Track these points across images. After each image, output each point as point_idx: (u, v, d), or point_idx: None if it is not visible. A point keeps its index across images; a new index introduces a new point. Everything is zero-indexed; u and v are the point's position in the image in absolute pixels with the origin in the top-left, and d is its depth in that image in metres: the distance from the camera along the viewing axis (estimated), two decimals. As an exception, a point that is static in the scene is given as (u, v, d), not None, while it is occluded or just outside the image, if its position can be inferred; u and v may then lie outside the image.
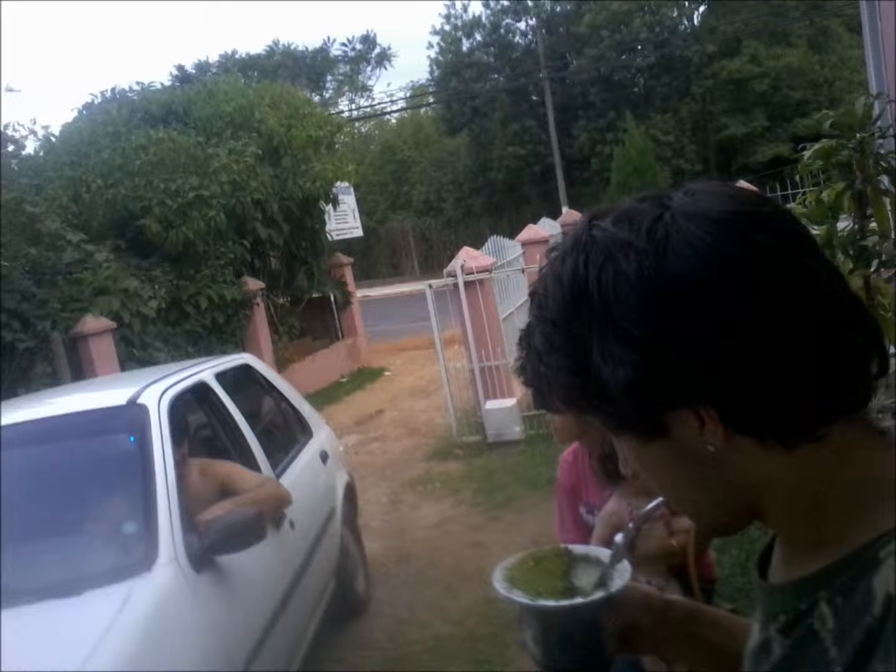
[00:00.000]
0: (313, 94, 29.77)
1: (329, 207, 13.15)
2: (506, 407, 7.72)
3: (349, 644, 4.42)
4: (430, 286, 8.15)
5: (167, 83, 17.00)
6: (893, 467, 0.67)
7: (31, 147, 10.75)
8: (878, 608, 0.60)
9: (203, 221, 10.12)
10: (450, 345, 8.58)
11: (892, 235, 2.87)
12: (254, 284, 11.11)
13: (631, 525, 1.13)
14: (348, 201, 17.21)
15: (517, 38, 29.33)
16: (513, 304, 8.71)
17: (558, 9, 28.32)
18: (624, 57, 26.89)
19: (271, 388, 4.95)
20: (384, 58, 35.14)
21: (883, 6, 4.07)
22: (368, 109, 34.24)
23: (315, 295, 13.34)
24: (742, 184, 5.75)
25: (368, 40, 34.91)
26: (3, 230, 7.85)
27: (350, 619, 4.64)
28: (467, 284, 7.85)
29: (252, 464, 3.76)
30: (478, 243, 10.44)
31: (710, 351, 0.65)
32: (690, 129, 26.79)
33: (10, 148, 9.23)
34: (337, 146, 13.76)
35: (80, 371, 7.90)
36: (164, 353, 8.90)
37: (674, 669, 1.37)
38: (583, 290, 0.68)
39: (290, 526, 3.69)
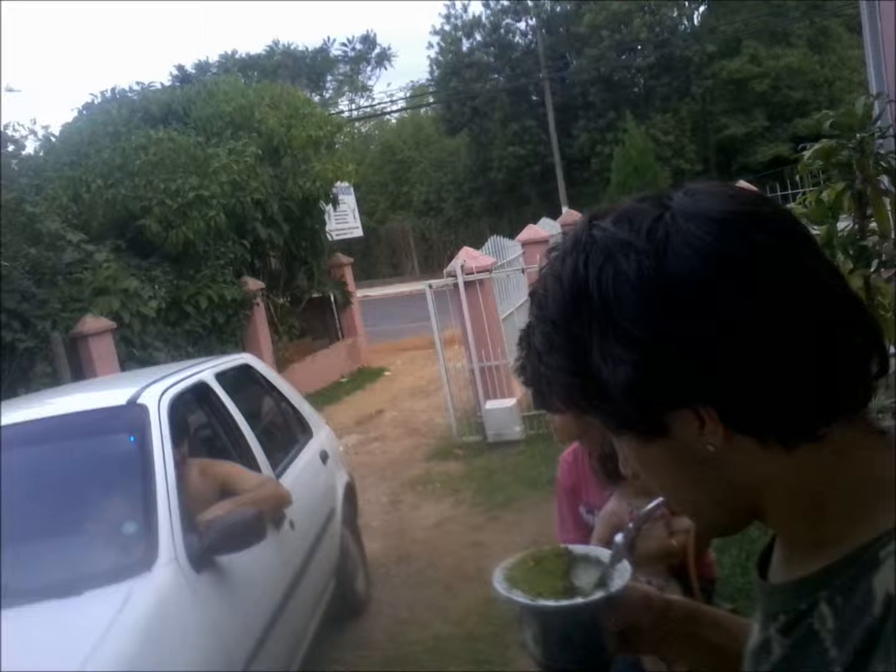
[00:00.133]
0: (313, 94, 29.78)
1: (329, 207, 13.15)
2: (506, 407, 7.72)
3: (349, 644, 4.42)
4: (430, 286, 8.15)
5: (167, 83, 17.01)
6: (893, 467, 0.67)
7: (31, 147, 10.78)
8: (878, 608, 0.60)
9: (203, 221, 10.12)
10: (450, 345, 8.57)
11: (892, 235, 2.87)
12: (254, 284, 11.11)
13: (631, 525, 1.14)
14: (348, 201, 17.21)
15: (517, 38, 29.34)
16: (513, 304, 8.71)
17: (558, 9, 28.32)
18: (624, 57, 26.89)
19: (271, 388, 4.95)
20: (384, 58, 35.18)
21: (883, 6, 4.07)
22: (368, 109, 34.26)
23: (315, 295, 13.34)
24: (742, 184, 5.75)
25: (368, 40, 34.95)
26: (3, 230, 7.85)
27: (350, 619, 4.64)
28: (467, 284, 7.85)
29: (252, 464, 3.76)
30: (478, 243, 10.44)
31: (710, 351, 0.65)
32: (690, 129, 26.79)
33: (10, 148, 9.22)
34: (337, 146, 13.76)
35: (80, 371, 7.90)
36: (164, 353, 8.91)
37: (674, 669, 1.37)
38: (583, 290, 0.68)
39: (290, 526, 3.69)
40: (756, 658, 0.75)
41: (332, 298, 13.72)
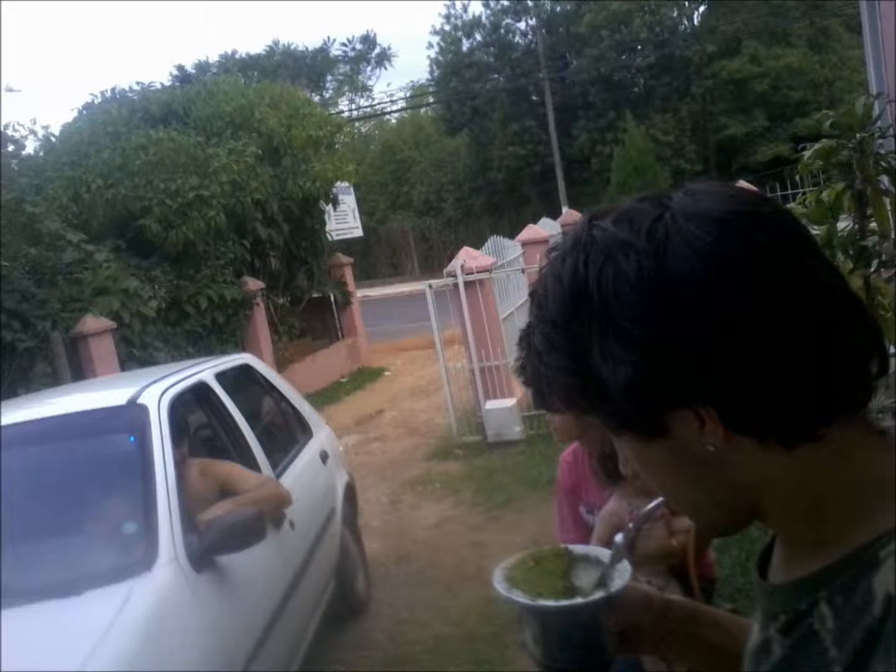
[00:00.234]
0: (313, 94, 29.78)
1: (329, 207, 13.15)
2: (506, 407, 7.72)
3: (349, 644, 4.42)
4: (430, 286, 8.15)
5: (167, 83, 17.01)
6: (893, 467, 0.67)
7: (31, 147, 10.77)
8: (878, 608, 0.60)
9: (203, 221, 10.12)
10: (450, 345, 8.57)
11: (892, 235, 2.87)
12: (254, 284, 11.11)
13: (631, 525, 1.14)
14: (348, 201, 17.21)
15: (517, 38, 29.34)
16: (513, 304, 8.71)
17: (558, 9, 28.32)
18: (624, 57, 26.89)
19: (271, 388, 4.95)
20: (384, 58, 35.18)
21: (883, 6, 4.07)
22: (368, 109, 34.26)
23: (315, 295, 13.34)
24: (742, 184, 5.75)
25: (368, 40, 34.95)
26: (3, 230, 7.85)
27: (350, 619, 4.64)
28: (467, 284, 7.85)
29: (252, 464, 3.76)
30: (478, 243, 10.44)
31: (710, 351, 0.65)
32: (690, 129, 26.79)
33: (10, 148, 9.23)
34: (337, 146, 13.76)
35: (80, 371, 7.90)
36: (164, 353, 8.91)
37: (674, 669, 1.37)
38: (583, 290, 0.68)
39: (290, 526, 3.69)
40: (756, 658, 0.75)
41: (332, 298, 13.72)
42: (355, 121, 32.13)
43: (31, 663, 2.27)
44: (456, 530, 5.86)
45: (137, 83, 13.14)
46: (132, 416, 3.29)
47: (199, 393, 3.88)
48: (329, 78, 34.77)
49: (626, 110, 23.75)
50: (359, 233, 18.85)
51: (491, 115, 28.10)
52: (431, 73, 30.38)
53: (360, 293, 15.70)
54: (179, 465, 3.18)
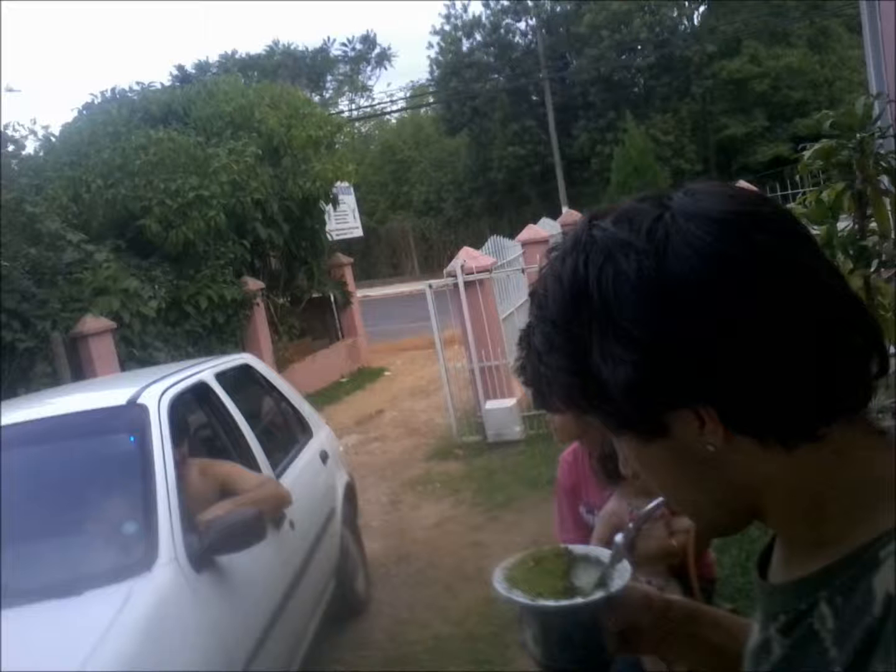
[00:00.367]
0: (313, 94, 29.78)
1: (329, 207, 13.15)
2: (506, 407, 7.72)
3: (349, 644, 4.42)
4: (430, 286, 8.15)
5: (167, 83, 17.01)
6: (893, 467, 0.67)
7: (31, 147, 10.78)
8: (878, 608, 0.60)
9: (203, 221, 10.12)
10: (450, 345, 8.57)
11: (892, 235, 2.87)
12: (254, 284, 11.11)
13: (631, 525, 1.14)
14: (348, 201, 17.21)
15: (517, 38, 29.34)
16: (513, 304, 8.71)
17: (558, 9, 28.32)
18: (624, 57, 26.89)
19: (271, 388, 4.95)
20: (384, 58, 35.18)
21: (883, 6, 4.07)
22: (368, 109, 34.26)
23: (315, 295, 13.34)
24: (742, 184, 5.75)
25: (368, 40, 34.95)
26: (3, 230, 7.85)
27: (350, 619, 4.64)
28: (467, 284, 7.85)
29: (252, 464, 3.76)
30: (478, 243, 10.44)
31: (710, 351, 0.65)
32: (690, 129, 26.79)
33: (10, 148, 9.23)
34: (337, 146, 13.76)
35: (80, 371, 7.90)
36: (164, 353, 8.91)
37: (674, 669, 1.37)
38: (583, 290, 0.68)
39: (290, 526, 3.69)
40: (756, 658, 0.75)
41: (332, 298, 13.72)
42: (355, 121, 32.14)
43: (31, 663, 2.27)
44: (456, 530, 5.86)
45: (137, 83, 13.16)
46: (132, 416, 3.29)
47: (199, 393, 3.88)
48: (329, 78, 34.78)
49: (626, 110, 23.75)
50: (359, 233, 18.85)
51: (491, 115, 28.10)
52: (431, 73, 30.42)
53: (360, 293, 15.70)
54: (179, 465, 3.18)
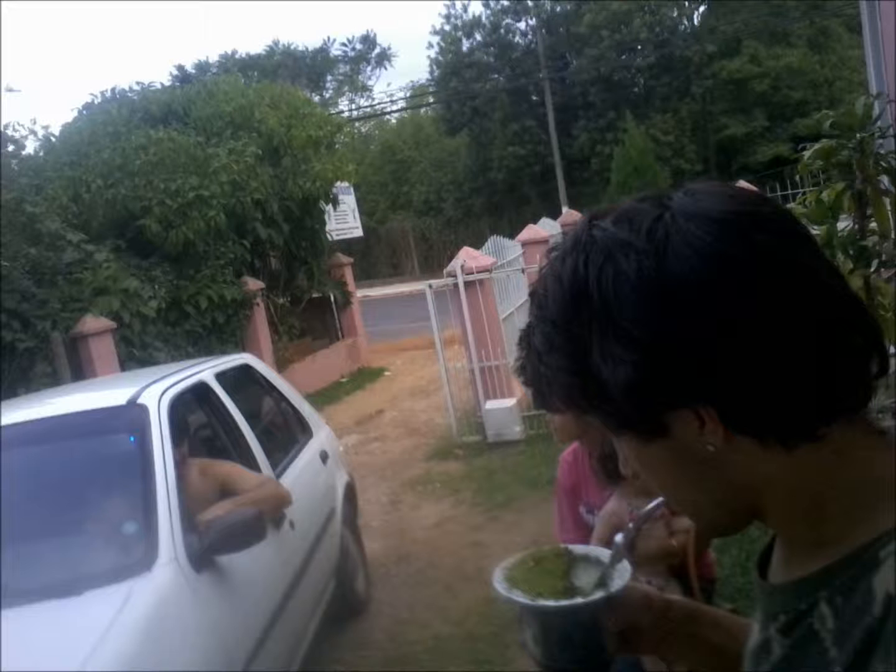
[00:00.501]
0: (313, 94, 29.78)
1: (329, 207, 13.15)
2: (506, 407, 7.72)
3: (349, 644, 4.42)
4: (430, 286, 8.15)
5: (167, 83, 17.01)
6: (893, 467, 0.67)
7: (31, 147, 10.78)
8: (878, 608, 0.60)
9: (203, 221, 10.12)
10: (450, 345, 8.57)
11: (892, 235, 2.87)
12: (254, 284, 11.11)
13: (631, 525, 1.14)
14: (348, 201, 17.21)
15: (517, 38, 29.34)
16: (513, 304, 8.71)
17: (558, 9, 28.32)
18: (624, 57, 26.89)
19: (271, 388, 4.95)
20: (384, 58, 35.18)
21: (883, 6, 4.07)
22: (368, 109, 34.26)
23: (315, 295, 13.34)
24: (742, 184, 5.75)
25: (368, 40, 34.95)
26: (3, 230, 7.85)
27: (350, 619, 4.64)
28: (467, 284, 7.85)
29: (252, 464, 3.76)
30: (478, 243, 10.44)
31: (710, 351, 0.65)
32: (690, 129, 26.79)
33: (10, 148, 9.23)
34: (337, 146, 13.76)
35: (80, 371, 7.90)
36: (164, 353, 8.91)
37: (674, 669, 1.37)
38: (583, 290, 0.68)
39: (290, 526, 3.69)
40: (756, 658, 0.75)
41: (332, 298, 13.72)
42: (355, 121, 32.14)
43: (31, 663, 2.27)
44: (456, 530, 5.86)
45: (137, 83, 13.16)
46: (132, 416, 3.29)
47: (199, 393, 3.88)
48: (329, 78, 34.78)
49: (626, 110, 23.75)
50: (359, 233, 18.85)
51: (491, 115, 28.10)
52: (431, 73, 30.42)
53: (360, 293, 15.70)
54: (179, 465, 3.18)
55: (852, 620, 0.62)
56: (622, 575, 1.03)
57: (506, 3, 28.73)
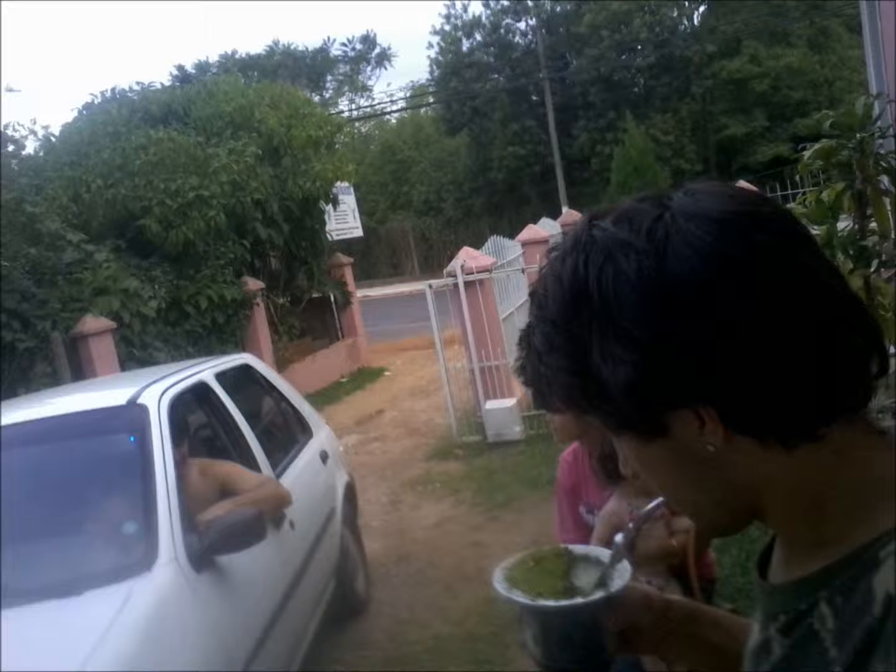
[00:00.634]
0: (313, 94, 29.78)
1: (329, 207, 13.15)
2: (506, 407, 7.72)
3: (349, 644, 4.42)
4: (430, 286, 8.15)
5: (167, 83, 17.01)
6: (893, 467, 0.67)
7: (31, 147, 10.78)
8: (878, 608, 0.60)
9: (203, 221, 10.12)
10: (450, 345, 8.57)
11: (892, 235, 2.87)
12: (254, 284, 11.11)
13: (631, 525, 1.14)
14: (348, 201, 17.21)
15: (517, 38, 29.34)
16: (513, 304, 8.71)
17: (558, 9, 28.32)
18: (624, 57, 26.89)
19: (271, 388, 4.95)
20: (384, 58, 35.18)
21: (883, 6, 4.07)
22: (368, 109, 34.26)
23: (315, 295, 13.34)
24: (742, 184, 5.75)
25: (368, 40, 34.94)
26: (3, 230, 7.85)
27: (350, 619, 4.64)
28: (467, 284, 7.85)
29: (252, 464, 3.76)
30: (478, 243, 10.44)
31: (710, 351, 0.65)
32: (690, 129, 26.79)
33: (10, 148, 9.23)
34: (337, 146, 13.76)
35: (80, 371, 7.90)
36: (164, 353, 8.91)
37: (674, 669, 1.37)
38: (583, 290, 0.68)
39: (290, 526, 3.69)
40: (756, 658, 0.75)
41: (332, 298, 13.72)
42: (355, 121, 32.14)
43: (31, 663, 2.27)
44: (456, 530, 5.86)
45: (137, 83, 13.16)
46: (132, 416, 3.29)
47: (199, 393, 3.88)
48: (329, 78, 34.78)
49: (626, 110, 23.75)
50: (359, 233, 18.85)
51: (491, 115, 28.10)
52: (431, 73, 30.42)
53: (360, 293, 15.70)
54: (179, 465, 3.18)
55: (852, 620, 0.62)
56: (622, 575, 1.03)
57: (506, 3, 28.73)
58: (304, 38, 76.79)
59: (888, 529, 0.64)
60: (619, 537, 1.09)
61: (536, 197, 27.77)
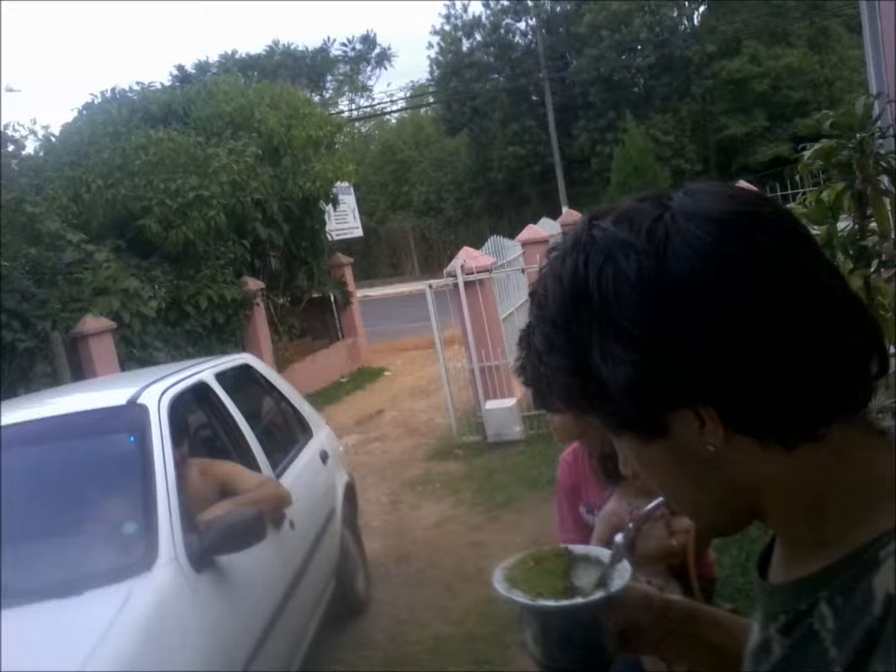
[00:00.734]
0: (313, 94, 29.78)
1: (329, 207, 13.15)
2: (506, 407, 7.72)
3: (349, 644, 4.42)
4: (430, 286, 8.15)
5: (167, 83, 17.01)
6: (893, 467, 0.67)
7: (31, 147, 10.77)
8: (878, 608, 0.60)
9: (203, 221, 10.12)
10: (450, 345, 8.57)
11: (892, 235, 2.87)
12: (254, 284, 11.11)
13: (631, 525, 1.14)
14: (348, 201, 17.21)
15: (517, 38, 29.33)
16: (513, 304, 8.71)
17: (558, 9, 28.32)
18: (624, 57, 26.89)
19: (271, 388, 4.95)
20: (384, 58, 35.18)
21: (883, 6, 4.07)
22: (368, 109, 34.25)
23: (315, 295, 13.34)
24: (742, 184, 5.75)
25: (368, 40, 34.95)
26: (3, 230, 7.85)
27: (350, 619, 4.64)
28: (467, 284, 7.85)
29: (252, 464, 3.76)
30: (478, 243, 10.44)
31: (710, 351, 0.65)
32: (690, 129, 26.79)
33: (10, 148, 9.22)
34: (337, 146, 13.76)
35: (80, 371, 7.90)
36: (164, 353, 8.91)
37: (674, 669, 1.37)
38: (583, 290, 0.68)
39: (290, 526, 3.69)
40: (756, 658, 0.75)
41: (332, 298, 13.72)
42: (355, 121, 32.14)
43: (31, 663, 2.27)
44: (456, 530, 5.86)
45: (137, 83, 13.16)
46: (132, 416, 3.29)
47: (199, 393, 3.88)
48: (329, 78, 34.77)
49: (626, 110, 23.75)
50: (359, 233, 18.85)
51: (491, 115, 28.10)
52: (431, 73, 30.41)
53: (360, 293, 15.70)
54: (179, 465, 3.18)
55: (852, 620, 0.62)
56: (622, 575, 1.03)
57: (506, 3, 28.73)
58: (304, 38, 76.86)
59: (888, 529, 0.64)
60: (619, 537, 1.09)
61: (536, 197, 27.76)
